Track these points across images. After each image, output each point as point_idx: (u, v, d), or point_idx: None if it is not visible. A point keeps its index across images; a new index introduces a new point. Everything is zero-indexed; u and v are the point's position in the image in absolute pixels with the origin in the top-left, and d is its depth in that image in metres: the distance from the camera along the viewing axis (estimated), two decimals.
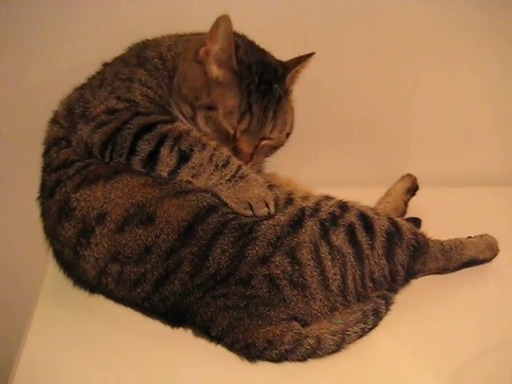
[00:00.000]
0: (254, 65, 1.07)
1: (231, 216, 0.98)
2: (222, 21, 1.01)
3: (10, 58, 1.27)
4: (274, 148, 1.14)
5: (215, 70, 1.05)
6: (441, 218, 1.23)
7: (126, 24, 1.24)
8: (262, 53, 1.13)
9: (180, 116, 1.08)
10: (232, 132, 1.06)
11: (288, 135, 1.15)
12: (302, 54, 1.12)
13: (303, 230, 0.98)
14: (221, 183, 1.00)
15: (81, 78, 1.16)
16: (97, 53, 1.17)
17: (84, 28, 1.25)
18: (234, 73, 1.05)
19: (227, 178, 1.00)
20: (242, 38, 1.13)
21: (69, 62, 1.27)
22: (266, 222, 0.98)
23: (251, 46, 1.12)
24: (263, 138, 1.10)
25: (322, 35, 1.27)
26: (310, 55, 1.12)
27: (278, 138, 1.12)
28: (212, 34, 1.04)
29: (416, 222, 1.26)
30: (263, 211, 0.99)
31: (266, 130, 1.09)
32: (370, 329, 1.01)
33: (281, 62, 1.13)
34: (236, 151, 1.06)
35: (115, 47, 1.17)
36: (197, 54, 1.07)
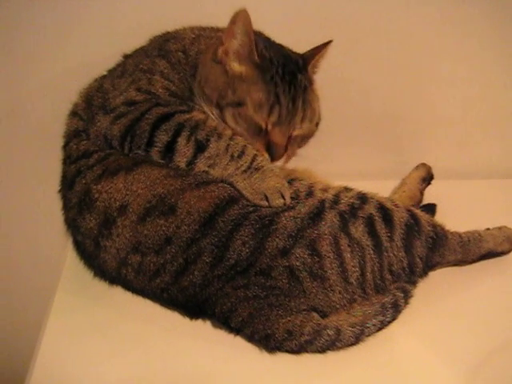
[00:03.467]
0: (275, 58, 1.06)
1: (251, 208, 0.98)
2: (239, 15, 0.99)
3: (26, 51, 1.27)
4: (305, 138, 1.13)
5: (237, 67, 1.04)
6: (458, 210, 1.21)
7: (138, 18, 1.23)
8: (281, 47, 1.12)
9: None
10: (264, 125, 1.04)
11: (317, 124, 1.14)
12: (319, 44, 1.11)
13: (323, 222, 0.98)
14: (236, 174, 0.99)
15: (97, 70, 1.15)
16: (111, 46, 1.16)
17: (96, 21, 1.24)
18: (256, 67, 1.03)
19: (243, 168, 0.99)
20: (259, 34, 1.11)
21: (84, 55, 1.26)
22: (286, 213, 0.98)
23: (269, 41, 1.11)
24: (295, 129, 1.08)
25: (339, 28, 1.26)
26: (328, 43, 1.11)
27: (308, 127, 1.10)
28: (229, 31, 1.02)
29: (431, 207, 1.27)
30: (279, 202, 0.99)
31: (297, 120, 1.07)
32: (389, 322, 1.01)
33: (300, 54, 1.13)
34: (270, 145, 1.05)
35: (127, 41, 1.17)
36: (215, 54, 1.06)
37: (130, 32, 1.19)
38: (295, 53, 1.13)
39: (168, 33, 1.17)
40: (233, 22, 1.01)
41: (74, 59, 1.27)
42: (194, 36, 1.15)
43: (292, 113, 1.05)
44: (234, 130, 1.04)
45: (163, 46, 1.13)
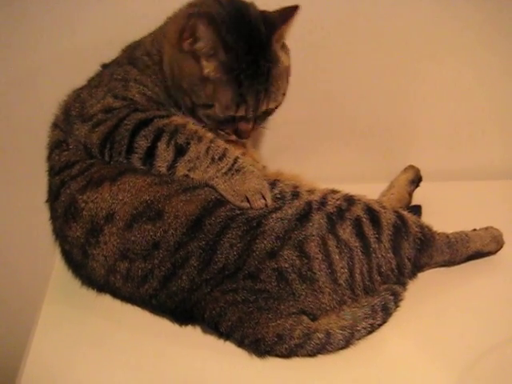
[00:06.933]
0: (240, 47, 1.01)
1: (238, 211, 0.98)
2: (200, 20, 0.96)
3: (11, 58, 1.27)
4: (272, 110, 1.12)
5: (206, 66, 1.01)
6: (445, 211, 1.22)
7: (129, 23, 1.23)
8: (244, 15, 1.04)
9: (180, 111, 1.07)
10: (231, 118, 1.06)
11: (284, 94, 1.11)
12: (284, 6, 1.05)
13: (311, 224, 0.98)
14: (217, 176, 1.00)
15: (82, 81, 1.16)
16: (98, 54, 1.16)
17: (86, 28, 1.25)
18: (222, 65, 1.01)
19: (223, 171, 1.00)
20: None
21: (71, 63, 1.27)
22: (273, 215, 0.98)
23: (235, 17, 1.03)
24: (260, 112, 1.08)
25: (326, 30, 1.27)
26: (295, 9, 1.04)
27: (274, 104, 1.09)
28: (192, 31, 0.99)
29: (417, 209, 1.28)
30: (260, 203, 0.99)
31: (262, 107, 1.07)
32: (380, 325, 1.01)
33: (265, 20, 1.04)
34: (237, 129, 1.08)
35: (117, 47, 1.17)
36: (181, 46, 1.02)
37: (116, 38, 1.19)
38: (259, 18, 1.05)
39: (135, 41, 1.17)
40: (193, 24, 0.97)
41: (56, 68, 1.27)
42: (150, 39, 1.14)
43: (256, 105, 1.05)
44: (206, 123, 1.07)
45: (131, 54, 1.14)
